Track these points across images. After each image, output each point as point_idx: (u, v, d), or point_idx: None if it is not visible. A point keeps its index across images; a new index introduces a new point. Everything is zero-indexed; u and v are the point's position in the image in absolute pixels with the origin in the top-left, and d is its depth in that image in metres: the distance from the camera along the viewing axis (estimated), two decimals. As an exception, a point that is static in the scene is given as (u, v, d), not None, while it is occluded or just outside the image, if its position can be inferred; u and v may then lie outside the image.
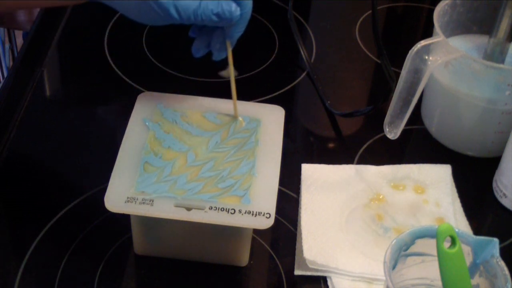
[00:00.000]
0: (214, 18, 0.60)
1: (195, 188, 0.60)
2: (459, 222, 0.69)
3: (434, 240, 0.51)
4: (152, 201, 0.59)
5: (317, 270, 0.64)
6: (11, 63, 1.41)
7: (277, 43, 0.92)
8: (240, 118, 0.67)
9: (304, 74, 0.88)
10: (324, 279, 0.64)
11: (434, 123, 0.79)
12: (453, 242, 0.51)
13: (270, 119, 0.68)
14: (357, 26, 0.96)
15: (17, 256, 0.64)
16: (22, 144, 0.76)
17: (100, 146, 0.77)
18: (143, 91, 0.70)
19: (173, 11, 0.58)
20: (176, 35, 0.93)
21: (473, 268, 0.54)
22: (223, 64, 0.87)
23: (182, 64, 0.87)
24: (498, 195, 0.72)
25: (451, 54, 0.69)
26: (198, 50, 0.66)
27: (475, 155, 0.77)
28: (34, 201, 0.70)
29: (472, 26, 0.79)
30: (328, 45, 0.93)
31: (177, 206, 0.59)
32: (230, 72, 0.66)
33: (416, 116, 0.81)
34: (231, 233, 0.62)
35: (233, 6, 0.60)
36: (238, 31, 0.63)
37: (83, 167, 0.74)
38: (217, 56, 0.65)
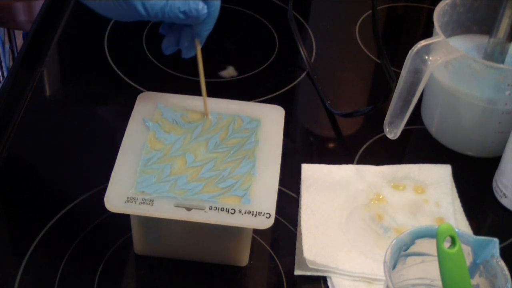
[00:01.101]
0: (181, 16, 0.60)
1: (195, 188, 0.60)
2: (459, 222, 0.69)
3: (434, 240, 0.51)
4: (152, 201, 0.59)
5: (317, 270, 0.64)
6: (11, 63, 1.41)
7: (277, 43, 0.92)
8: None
9: (304, 74, 0.88)
10: (324, 279, 0.64)
11: (434, 123, 0.79)
12: (453, 242, 0.51)
13: (270, 119, 0.68)
14: (357, 26, 0.96)
15: (17, 256, 0.64)
16: (22, 144, 0.76)
17: (100, 146, 0.77)
18: (143, 91, 0.70)
19: (140, 8, 0.59)
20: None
21: (473, 268, 0.54)
22: (223, 64, 0.88)
23: (182, 64, 0.87)
24: (498, 195, 0.72)
25: (451, 54, 0.69)
26: (167, 47, 0.66)
27: (475, 155, 0.77)
28: (34, 201, 0.70)
29: (472, 26, 0.79)
30: (328, 45, 0.93)
31: (177, 206, 0.59)
32: (200, 70, 0.66)
33: (416, 116, 0.81)
34: (231, 233, 0.62)
35: (200, 4, 0.60)
36: (206, 30, 0.63)
37: (83, 167, 0.74)
38: (185, 54, 0.66)
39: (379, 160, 0.75)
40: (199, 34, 0.64)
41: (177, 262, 0.64)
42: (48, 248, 0.65)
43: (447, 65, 0.73)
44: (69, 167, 0.74)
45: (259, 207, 0.59)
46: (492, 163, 0.74)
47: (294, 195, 0.72)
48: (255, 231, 0.65)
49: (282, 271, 0.65)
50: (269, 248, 0.67)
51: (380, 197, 0.71)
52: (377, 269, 0.63)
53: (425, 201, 0.71)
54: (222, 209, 0.58)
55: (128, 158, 0.62)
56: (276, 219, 0.59)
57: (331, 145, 0.81)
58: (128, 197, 0.59)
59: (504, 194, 0.71)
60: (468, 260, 0.53)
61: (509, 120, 0.73)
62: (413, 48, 0.67)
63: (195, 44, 0.65)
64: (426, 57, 0.67)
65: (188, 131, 0.66)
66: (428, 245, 0.54)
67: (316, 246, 0.65)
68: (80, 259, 0.64)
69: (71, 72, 0.89)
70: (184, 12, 0.60)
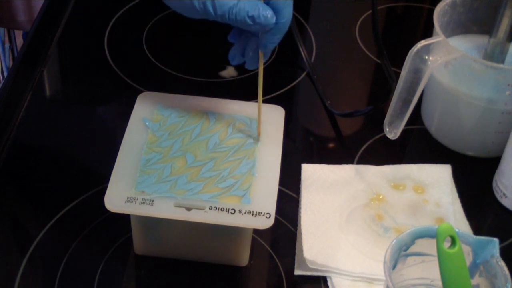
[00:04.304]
0: (248, 20, 0.59)
1: (195, 188, 0.60)
2: (459, 222, 0.69)
3: (434, 240, 0.51)
4: (152, 201, 0.59)
5: (317, 270, 0.64)
6: (11, 63, 1.41)
7: (277, 43, 0.92)
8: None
9: (304, 74, 0.88)
10: (324, 279, 0.64)
11: (434, 123, 0.79)
12: (453, 242, 0.51)
13: (270, 119, 0.68)
14: (357, 26, 0.96)
15: (18, 256, 0.64)
16: (22, 144, 0.76)
17: (100, 146, 0.77)
18: (143, 91, 0.70)
19: (209, 5, 0.58)
20: (176, 35, 0.94)
21: (473, 268, 0.54)
22: (223, 64, 0.87)
23: (182, 64, 0.87)
24: (498, 195, 0.72)
25: (451, 54, 0.69)
26: (233, 57, 0.65)
27: (475, 155, 0.77)
28: (34, 201, 0.70)
29: (472, 26, 0.79)
30: (328, 45, 0.93)
31: (177, 206, 0.59)
32: (259, 85, 0.65)
33: (416, 116, 0.81)
34: (231, 233, 0.62)
35: (270, 13, 0.59)
36: (272, 42, 0.61)
37: (83, 167, 0.74)
38: (249, 65, 0.64)
39: (379, 160, 0.75)
40: (265, 46, 0.61)
41: (177, 262, 0.64)
42: (48, 248, 0.65)
43: (447, 65, 0.73)
44: (69, 167, 0.74)
45: (259, 207, 0.59)
46: (492, 163, 0.74)
47: (294, 195, 0.72)
48: (255, 231, 0.65)
49: (282, 271, 0.65)
50: (269, 248, 0.67)
51: (380, 197, 0.71)
52: (377, 269, 0.63)
53: (425, 201, 0.71)
54: (222, 209, 0.58)
55: (128, 158, 0.62)
56: (276, 219, 0.59)
57: (331, 145, 0.81)
58: (128, 197, 0.59)
59: (504, 194, 0.71)
60: (468, 260, 0.53)
61: (509, 120, 0.73)
62: (413, 48, 0.67)
63: (259, 56, 0.63)
64: (426, 57, 0.67)
65: (188, 131, 0.66)
66: (428, 245, 0.54)
67: (316, 246, 0.65)
68: (80, 259, 0.64)
69: (71, 72, 0.89)
70: (252, 17, 0.58)
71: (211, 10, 0.58)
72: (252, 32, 0.62)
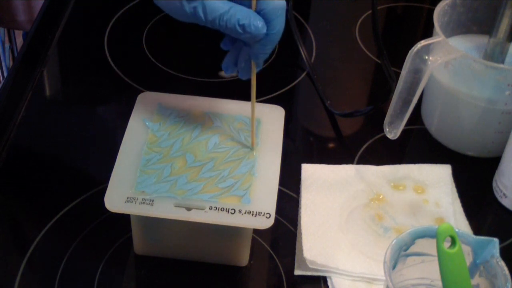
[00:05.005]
0: (239, 28, 0.58)
1: (195, 188, 0.60)
2: (459, 222, 0.69)
3: (434, 240, 0.51)
4: (152, 201, 0.59)
5: (317, 270, 0.64)
6: (11, 63, 1.41)
7: (277, 43, 0.92)
8: (210, 117, 0.65)
9: (304, 74, 0.88)
10: (324, 279, 0.64)
11: (434, 123, 0.79)
12: (453, 242, 0.51)
13: (270, 119, 0.68)
14: (357, 26, 0.96)
15: (18, 256, 0.64)
16: (22, 144, 0.76)
17: (100, 146, 0.77)
18: (143, 91, 0.70)
19: (199, 10, 0.58)
20: (176, 35, 0.94)
21: (473, 268, 0.54)
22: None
23: (182, 64, 0.87)
24: (498, 195, 0.72)
25: (451, 54, 0.69)
26: (227, 66, 0.65)
27: (475, 155, 0.77)
28: (34, 201, 0.70)
29: (472, 26, 0.79)
30: (328, 45, 0.93)
31: (177, 206, 0.59)
32: (252, 96, 0.64)
33: (416, 116, 0.81)
34: (231, 233, 0.62)
35: (261, 23, 0.58)
36: (263, 52, 0.60)
37: (83, 167, 0.74)
38: (242, 75, 0.64)
39: (379, 160, 0.75)
40: (256, 56, 0.61)
41: (177, 262, 0.64)
42: (48, 248, 0.65)
43: (447, 65, 0.73)
44: (69, 167, 0.74)
45: (259, 207, 0.59)
46: (492, 163, 0.74)
47: (294, 195, 0.72)
48: (255, 231, 0.65)
49: (282, 271, 0.65)
50: (269, 248, 0.67)
51: (380, 197, 0.71)
52: (377, 269, 0.63)
53: (425, 201, 0.71)
54: (222, 209, 0.58)
55: (128, 158, 0.62)
56: (276, 219, 0.59)
57: (331, 145, 0.81)
58: (128, 197, 0.59)
59: (504, 194, 0.71)
60: (468, 260, 0.53)
61: (509, 120, 0.73)
62: (413, 48, 0.67)
63: (252, 66, 0.62)
64: (426, 57, 0.67)
65: (188, 131, 0.66)
66: (428, 245, 0.54)
67: (316, 246, 0.65)
68: (80, 259, 0.64)
69: (71, 72, 0.89)
70: (242, 26, 0.58)
71: (202, 15, 0.58)
72: (244, 41, 0.61)
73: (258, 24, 0.58)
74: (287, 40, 0.92)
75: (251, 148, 0.64)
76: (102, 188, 0.61)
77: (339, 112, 0.81)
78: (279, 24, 0.59)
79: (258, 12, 0.58)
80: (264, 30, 0.58)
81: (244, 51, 0.62)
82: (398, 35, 0.98)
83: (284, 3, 0.59)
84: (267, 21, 0.59)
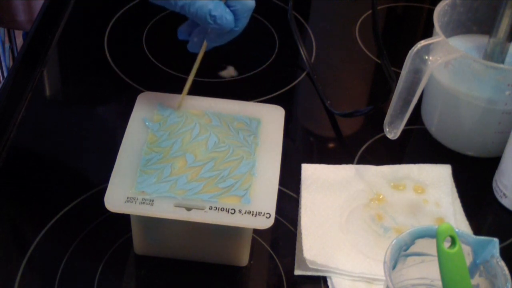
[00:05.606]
0: (209, 19, 0.59)
1: (195, 188, 0.60)
2: (459, 222, 0.69)
3: (434, 240, 0.51)
4: (152, 201, 0.59)
5: (317, 270, 0.64)
6: (11, 63, 1.41)
7: (277, 43, 0.92)
8: (209, 116, 0.67)
9: (304, 74, 0.88)
10: (324, 279, 0.64)
11: (434, 123, 0.79)
12: (453, 242, 0.51)
13: (270, 119, 0.68)
14: (357, 26, 0.96)
15: (17, 256, 0.64)
16: (22, 144, 0.76)
17: (100, 146, 0.77)
18: (143, 91, 0.70)
19: None
20: (176, 35, 0.93)
21: (473, 268, 0.54)
22: (223, 64, 0.87)
23: (182, 64, 0.87)
24: (498, 195, 0.72)
25: (451, 54, 0.69)
26: (181, 33, 0.66)
27: (475, 155, 0.77)
28: (34, 201, 0.70)
29: (472, 26, 0.79)
30: (328, 45, 0.93)
31: (177, 206, 0.59)
32: (193, 69, 0.66)
33: (416, 116, 0.81)
34: (231, 233, 0.62)
35: (231, 17, 0.60)
36: (219, 41, 0.63)
37: (83, 167, 0.74)
38: (191, 48, 0.65)
39: (379, 160, 0.75)
40: (211, 40, 0.63)
41: (177, 262, 0.64)
42: (48, 248, 0.65)
43: (447, 65, 0.73)
44: (69, 167, 0.74)
45: (259, 207, 0.59)
46: (492, 163, 0.74)
47: (294, 195, 0.72)
48: (255, 231, 0.65)
49: (282, 271, 0.65)
50: (269, 248, 0.67)
51: (380, 197, 0.71)
52: (377, 269, 0.63)
53: (425, 201, 0.71)
54: (222, 209, 0.58)
55: (128, 158, 0.62)
56: (276, 219, 0.59)
57: (331, 145, 0.81)
58: (128, 197, 0.59)
59: (504, 194, 0.71)
60: (468, 260, 0.53)
61: (509, 120, 0.73)
62: (413, 48, 0.67)
63: (203, 45, 0.64)
64: (426, 57, 0.67)
65: (187, 131, 0.66)
66: (428, 245, 0.54)
67: (316, 246, 0.65)
68: (80, 259, 0.64)
69: (71, 72, 0.89)
70: (214, 17, 0.59)
71: None
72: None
73: (229, 18, 0.59)
74: (287, 40, 0.92)
75: (250, 147, 0.65)
76: (102, 188, 0.61)
77: (339, 112, 0.81)
78: (244, 23, 0.61)
79: (228, 7, 0.60)
80: (233, 25, 0.60)
81: (201, 29, 0.64)
82: (398, 35, 0.98)
83: (254, 3, 0.61)
84: (236, 17, 0.60)
